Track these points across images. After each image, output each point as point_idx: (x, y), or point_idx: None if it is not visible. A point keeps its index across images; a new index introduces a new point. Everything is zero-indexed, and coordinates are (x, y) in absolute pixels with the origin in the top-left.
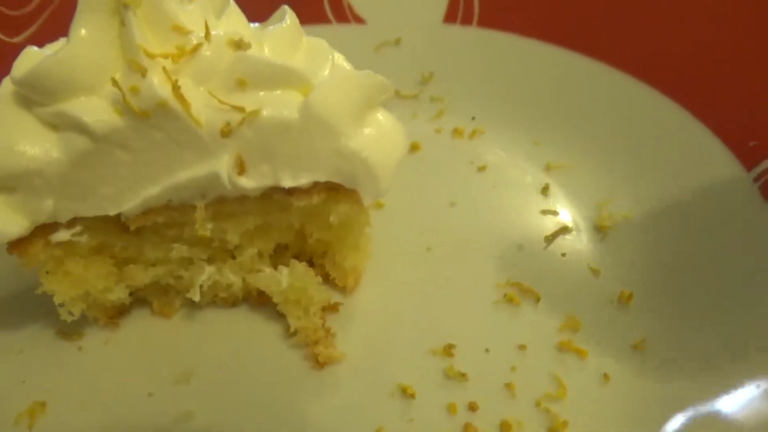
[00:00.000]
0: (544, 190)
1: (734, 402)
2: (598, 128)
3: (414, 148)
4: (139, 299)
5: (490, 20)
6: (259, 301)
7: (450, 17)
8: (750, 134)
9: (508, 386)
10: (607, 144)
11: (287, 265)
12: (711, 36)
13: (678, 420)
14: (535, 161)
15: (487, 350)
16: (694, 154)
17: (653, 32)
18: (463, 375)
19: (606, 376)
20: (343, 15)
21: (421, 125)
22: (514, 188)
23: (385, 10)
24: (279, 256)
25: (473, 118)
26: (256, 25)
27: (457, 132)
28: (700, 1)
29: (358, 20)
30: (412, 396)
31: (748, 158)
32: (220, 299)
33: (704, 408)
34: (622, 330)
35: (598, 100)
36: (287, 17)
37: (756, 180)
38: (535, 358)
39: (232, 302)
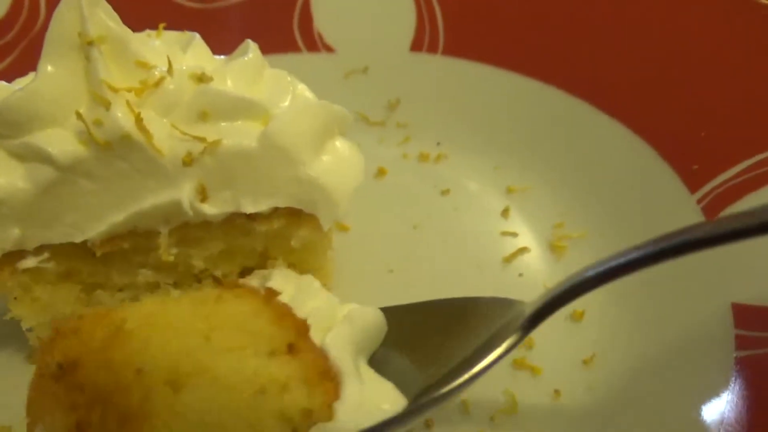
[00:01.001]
0: (504, 213)
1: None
2: (555, 152)
3: (380, 173)
4: None
5: (455, 49)
6: None
7: (416, 46)
8: (693, 158)
9: (464, 403)
10: (563, 167)
11: None
12: (661, 65)
13: None
14: (496, 184)
15: None
16: (643, 177)
17: (607, 60)
18: None
19: (557, 392)
20: (314, 44)
21: (388, 151)
22: (476, 211)
23: (353, 39)
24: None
25: (438, 144)
26: (222, 57)
27: (422, 157)
28: (649, 32)
29: (328, 49)
30: None
31: (692, 181)
32: None
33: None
34: (574, 347)
35: (555, 125)
36: (250, 51)
37: (699, 202)
38: (490, 376)
39: None
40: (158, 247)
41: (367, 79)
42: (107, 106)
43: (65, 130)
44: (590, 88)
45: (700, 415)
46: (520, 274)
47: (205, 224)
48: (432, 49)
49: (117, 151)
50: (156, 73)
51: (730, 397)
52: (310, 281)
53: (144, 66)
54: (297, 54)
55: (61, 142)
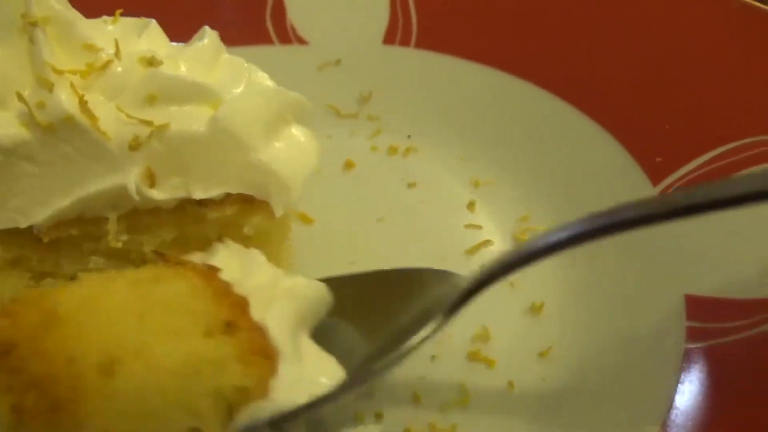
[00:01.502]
0: (470, 206)
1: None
2: (523, 146)
3: (348, 165)
4: None
5: (428, 42)
6: None
7: (389, 38)
8: (657, 151)
9: (414, 395)
10: (530, 161)
11: None
12: (627, 58)
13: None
14: (463, 178)
15: None
16: (607, 169)
17: (575, 54)
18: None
19: (511, 384)
20: (286, 36)
21: (357, 143)
22: (441, 204)
23: (326, 32)
24: None
25: (409, 137)
26: (179, 44)
27: (392, 150)
28: (616, 26)
29: (300, 41)
30: None
31: (654, 174)
32: None
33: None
34: (531, 339)
35: (525, 119)
36: (206, 37)
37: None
38: (444, 368)
39: None
40: (107, 234)
41: (339, 72)
42: (50, 88)
43: (7, 113)
44: (559, 82)
45: (649, 407)
46: (482, 266)
47: (156, 211)
48: (405, 42)
49: (61, 134)
50: (103, 56)
51: (680, 389)
52: (255, 255)
53: (91, 49)
54: (269, 46)
55: (3, 125)
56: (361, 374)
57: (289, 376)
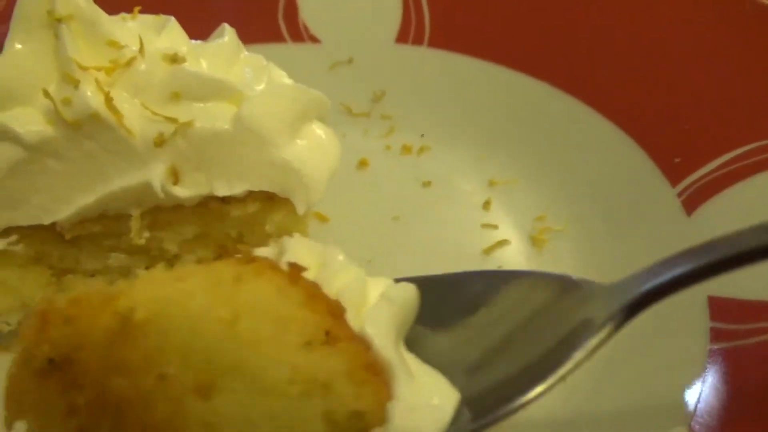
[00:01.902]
0: (486, 205)
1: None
2: (538, 145)
3: (362, 164)
4: None
5: (440, 41)
6: None
7: (402, 37)
8: (676, 151)
9: None
10: (546, 160)
11: None
12: (645, 58)
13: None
14: (478, 177)
15: None
16: (625, 170)
17: (592, 54)
18: None
19: None
20: (299, 35)
21: (371, 142)
22: (457, 203)
23: (339, 30)
24: None
25: (422, 135)
26: (198, 42)
27: (405, 149)
28: (635, 26)
29: (313, 40)
30: None
31: (673, 174)
32: None
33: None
34: None
35: (540, 118)
36: (226, 34)
37: (679, 195)
38: None
39: None
40: (129, 231)
41: (352, 71)
42: (76, 84)
43: (33, 109)
44: (575, 81)
45: (674, 407)
46: (499, 267)
47: (178, 207)
48: (417, 41)
49: (86, 131)
50: (127, 53)
51: (702, 389)
52: (335, 253)
53: (115, 46)
54: (282, 44)
55: (28, 121)
56: (491, 403)
57: (406, 398)
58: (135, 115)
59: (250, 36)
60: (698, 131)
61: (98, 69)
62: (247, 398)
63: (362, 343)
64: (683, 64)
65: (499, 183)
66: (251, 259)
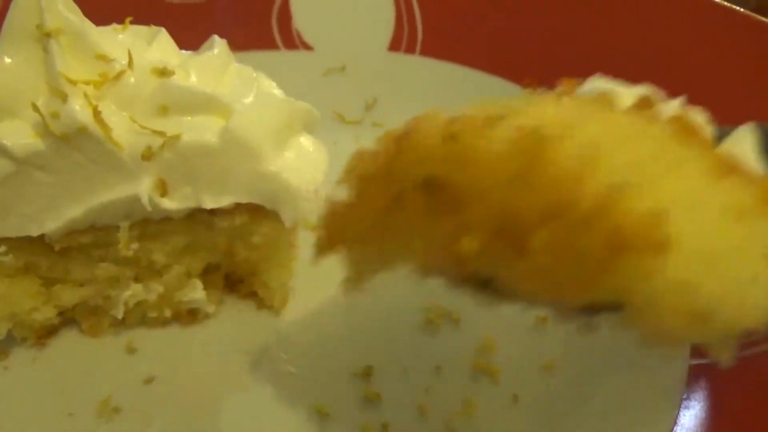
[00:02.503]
0: None
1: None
2: None
3: None
4: (68, 319)
5: (433, 49)
6: (189, 320)
7: (394, 45)
8: None
9: (420, 407)
10: None
11: (218, 284)
12: (635, 67)
13: None
14: None
15: (404, 371)
16: None
17: (584, 64)
18: (379, 396)
19: (515, 397)
20: (292, 42)
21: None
22: None
23: (332, 38)
24: (210, 275)
25: None
26: (188, 53)
27: None
28: (627, 36)
29: (306, 47)
30: (327, 416)
31: None
32: (149, 319)
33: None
34: (537, 351)
35: None
36: (215, 46)
37: None
38: (449, 380)
39: (162, 322)
40: (118, 242)
41: (344, 78)
42: (64, 98)
43: (22, 122)
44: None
45: (653, 423)
46: None
47: (167, 219)
48: (410, 49)
49: (74, 144)
50: (116, 66)
51: (684, 405)
52: None
53: (104, 59)
54: (275, 51)
55: (17, 134)
56: None
57: None
58: (123, 129)
59: (243, 43)
60: None
61: (87, 83)
62: (702, 227)
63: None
64: (671, 73)
65: None
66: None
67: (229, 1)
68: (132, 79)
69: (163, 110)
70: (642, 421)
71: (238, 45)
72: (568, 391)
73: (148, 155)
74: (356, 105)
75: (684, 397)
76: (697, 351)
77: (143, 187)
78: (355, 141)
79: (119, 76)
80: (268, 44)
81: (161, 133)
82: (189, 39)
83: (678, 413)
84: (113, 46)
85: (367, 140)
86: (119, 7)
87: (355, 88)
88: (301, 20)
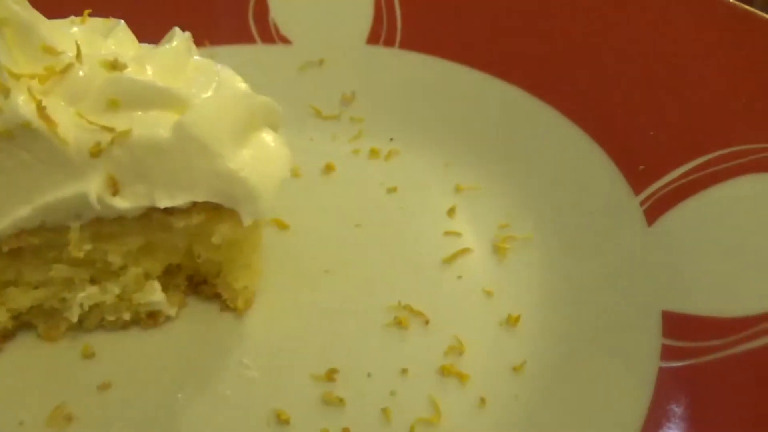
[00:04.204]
0: (450, 212)
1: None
2: (507, 151)
3: (329, 169)
4: (24, 323)
5: (412, 42)
6: (149, 323)
7: (373, 39)
8: (640, 158)
9: (385, 411)
10: (514, 166)
11: (181, 285)
12: (613, 65)
13: None
14: (445, 182)
15: (369, 375)
16: (590, 177)
17: (561, 59)
18: (341, 400)
19: (483, 400)
20: (269, 35)
21: (339, 146)
22: (421, 210)
23: (310, 31)
24: (172, 276)
25: (391, 139)
26: (149, 46)
27: (373, 153)
28: (604, 33)
29: (284, 40)
30: (286, 422)
31: (636, 182)
32: (108, 322)
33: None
34: (506, 353)
35: (508, 121)
36: (175, 39)
37: (642, 204)
38: (415, 383)
39: (122, 325)
40: (70, 243)
41: (322, 72)
42: (6, 93)
43: None
44: (544, 85)
45: (621, 427)
46: (459, 276)
47: (121, 219)
48: (389, 42)
49: (19, 141)
50: (64, 59)
51: (653, 409)
52: None
53: (51, 52)
54: (252, 45)
55: None
56: None
57: None
58: (70, 124)
59: (219, 37)
60: (662, 138)
61: (32, 77)
62: None
63: None
64: (650, 70)
65: (466, 188)
66: None
67: None
68: (81, 73)
69: (114, 105)
70: (611, 423)
71: (214, 39)
72: (537, 394)
73: (96, 152)
74: (334, 99)
75: (653, 400)
76: (668, 352)
77: (91, 186)
78: (332, 138)
79: (66, 69)
80: (245, 38)
81: (110, 129)
82: (164, 32)
83: (646, 417)
84: (65, 39)
85: (344, 136)
86: (91, 1)
87: (333, 82)
88: (279, 13)
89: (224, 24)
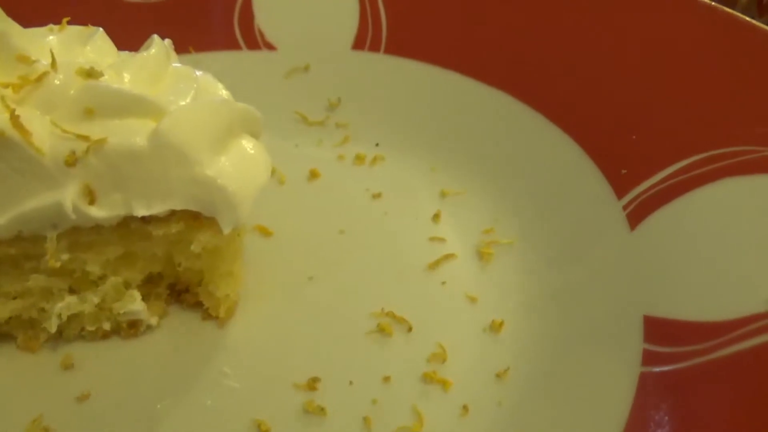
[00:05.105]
0: (435, 218)
1: None
2: (491, 155)
3: (313, 175)
4: (2, 333)
5: (398, 48)
6: (130, 332)
7: (359, 44)
8: (623, 162)
9: (366, 420)
10: (499, 172)
11: (162, 294)
12: (596, 69)
13: None
14: (430, 188)
15: (351, 383)
16: (574, 181)
17: (546, 64)
18: (322, 409)
19: (466, 408)
20: (254, 41)
21: (324, 152)
22: (406, 216)
23: (295, 37)
24: (154, 285)
25: (377, 145)
26: (128, 53)
27: (358, 159)
28: (587, 37)
29: (269, 47)
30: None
31: (619, 186)
32: (88, 332)
33: None
34: (489, 359)
35: (492, 126)
36: (153, 46)
37: (624, 208)
38: (397, 391)
39: (102, 335)
40: (47, 253)
41: (308, 78)
42: None
43: None
44: (529, 90)
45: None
46: (443, 282)
47: (98, 228)
48: (374, 47)
49: None
50: (39, 68)
51: (633, 415)
52: None
53: (25, 61)
54: (237, 52)
55: None
56: None
57: None
58: (45, 134)
59: (204, 44)
60: (645, 141)
61: (5, 86)
62: None
63: None
64: (633, 74)
65: (451, 194)
66: None
67: (189, 1)
68: (56, 81)
69: (89, 113)
70: (593, 429)
71: (199, 45)
72: (520, 400)
73: (71, 161)
74: (320, 105)
75: (634, 405)
76: (649, 358)
77: (67, 195)
78: (318, 143)
79: (41, 78)
80: (230, 44)
81: (85, 137)
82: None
83: (628, 418)
84: (40, 47)
85: (330, 142)
86: (76, 8)
87: (319, 87)
88: (264, 19)
89: (209, 30)
